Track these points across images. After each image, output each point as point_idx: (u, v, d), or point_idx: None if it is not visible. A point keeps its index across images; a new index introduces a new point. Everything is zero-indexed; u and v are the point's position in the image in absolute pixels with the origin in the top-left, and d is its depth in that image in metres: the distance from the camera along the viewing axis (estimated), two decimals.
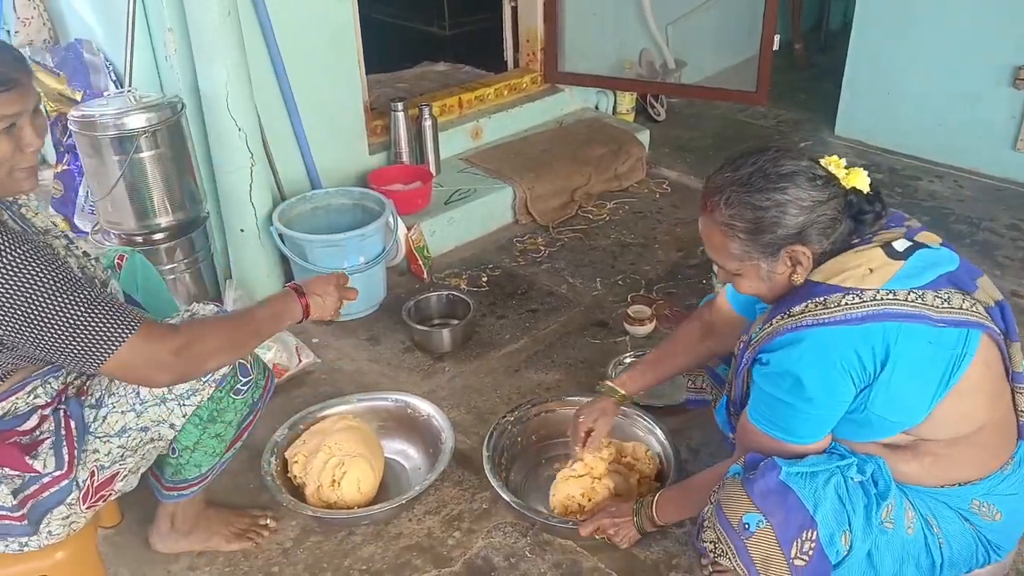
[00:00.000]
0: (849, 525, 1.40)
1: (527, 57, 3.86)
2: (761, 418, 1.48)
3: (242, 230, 2.67)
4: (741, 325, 1.71)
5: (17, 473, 1.45)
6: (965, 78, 3.51)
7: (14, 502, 1.45)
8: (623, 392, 1.97)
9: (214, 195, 2.68)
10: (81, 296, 1.33)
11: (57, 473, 1.47)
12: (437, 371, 2.50)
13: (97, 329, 1.34)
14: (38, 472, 1.46)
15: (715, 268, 1.61)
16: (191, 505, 1.83)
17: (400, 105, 3.13)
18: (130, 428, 1.52)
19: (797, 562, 1.40)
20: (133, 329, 1.36)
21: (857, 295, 1.37)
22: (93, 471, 1.52)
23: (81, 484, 1.51)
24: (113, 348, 1.35)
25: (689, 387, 2.11)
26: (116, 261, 1.82)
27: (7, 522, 1.47)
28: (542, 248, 3.16)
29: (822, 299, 1.40)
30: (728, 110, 4.42)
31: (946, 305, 1.39)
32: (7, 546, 1.50)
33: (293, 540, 1.93)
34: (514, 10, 3.82)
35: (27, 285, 1.29)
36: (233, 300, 2.60)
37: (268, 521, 1.95)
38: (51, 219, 1.61)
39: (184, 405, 1.55)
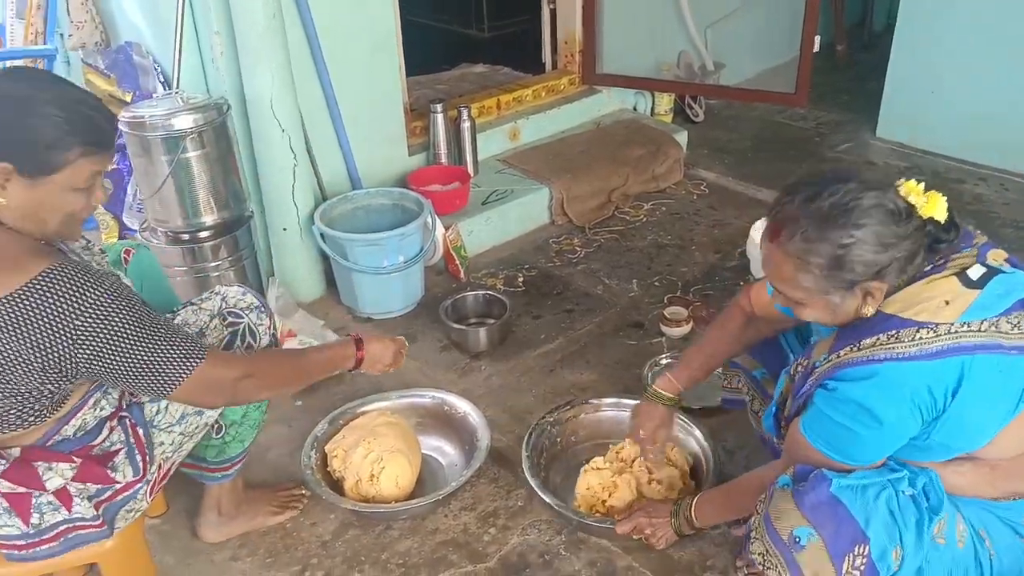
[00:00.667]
0: (900, 540, 1.38)
1: (565, 59, 3.87)
2: (819, 438, 1.45)
3: (285, 229, 2.72)
4: (783, 321, 1.69)
5: (98, 486, 1.51)
6: (1012, 78, 3.45)
7: (95, 513, 1.52)
8: (671, 395, 1.94)
9: (258, 195, 2.74)
10: (156, 331, 1.39)
11: (133, 479, 1.54)
12: (473, 370, 2.53)
13: (170, 361, 1.40)
14: (119, 483, 1.53)
15: (769, 287, 1.56)
16: (233, 489, 1.89)
17: (439, 106, 3.16)
18: (187, 413, 1.59)
19: None
20: (200, 358, 1.43)
21: (932, 329, 1.33)
22: (160, 464, 1.60)
23: (150, 479, 1.57)
24: (183, 378, 1.42)
25: (725, 387, 2.10)
26: (123, 255, 1.85)
27: (87, 531, 1.53)
28: (578, 249, 3.17)
29: (895, 332, 1.35)
30: (767, 112, 4.40)
31: (1017, 331, 1.35)
32: (76, 554, 1.57)
33: (332, 533, 1.96)
34: (553, 12, 3.84)
35: (110, 323, 1.34)
36: (276, 297, 2.65)
37: (302, 490, 2.03)
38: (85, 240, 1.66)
39: None
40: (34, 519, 1.48)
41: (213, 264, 2.59)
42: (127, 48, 2.94)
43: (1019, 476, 1.47)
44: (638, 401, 2.04)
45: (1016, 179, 3.54)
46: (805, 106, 3.79)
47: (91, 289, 1.33)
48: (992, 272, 1.38)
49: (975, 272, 1.37)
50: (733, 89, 4.00)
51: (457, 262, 2.95)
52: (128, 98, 2.86)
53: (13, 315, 1.29)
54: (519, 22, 4.84)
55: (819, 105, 4.30)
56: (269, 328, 1.73)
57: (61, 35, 3.16)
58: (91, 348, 1.34)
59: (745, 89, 3.97)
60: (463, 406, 2.19)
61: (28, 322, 1.29)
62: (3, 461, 1.43)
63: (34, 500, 1.47)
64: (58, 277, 1.31)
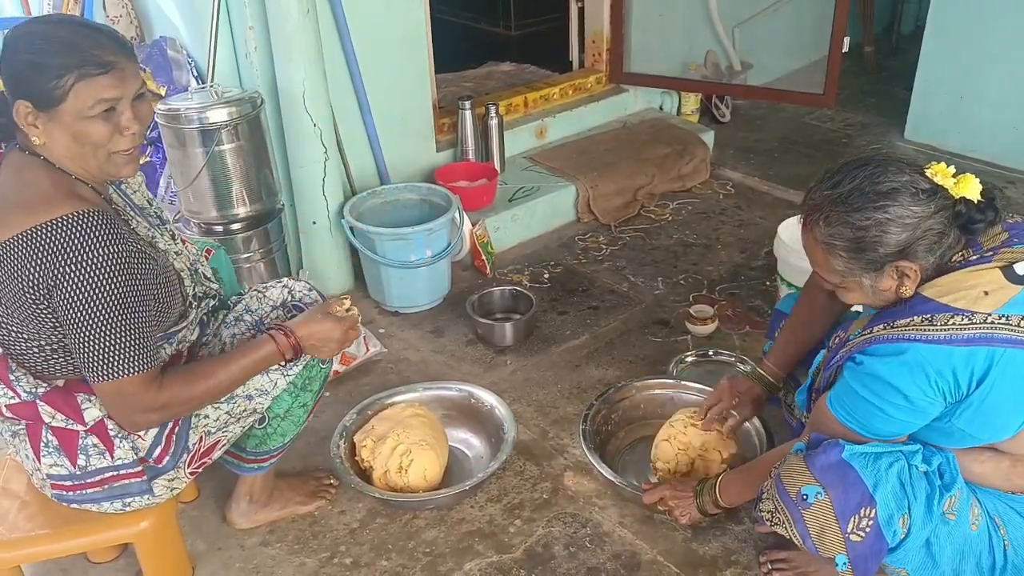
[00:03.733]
0: (909, 510, 1.41)
1: (592, 58, 3.89)
2: (843, 410, 1.48)
3: (314, 222, 2.76)
4: None
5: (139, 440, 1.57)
6: None
7: (135, 458, 1.57)
8: (772, 380, 1.92)
9: (288, 188, 2.78)
10: (122, 321, 1.41)
11: (165, 431, 1.59)
12: (499, 364, 2.55)
13: (110, 355, 1.42)
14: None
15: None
16: (266, 478, 1.92)
17: (467, 103, 3.19)
18: (237, 395, 1.63)
19: (853, 537, 1.41)
20: (135, 372, 1.44)
21: (967, 316, 1.34)
22: (201, 436, 1.63)
23: (190, 447, 1.61)
24: (108, 377, 1.43)
25: None
26: (204, 253, 1.91)
27: (128, 480, 1.59)
28: (604, 247, 3.18)
29: (929, 316, 1.37)
30: (794, 113, 4.38)
31: None
32: (111, 504, 1.61)
33: (359, 521, 1.99)
34: (581, 11, 3.86)
35: (89, 287, 1.37)
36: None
37: (331, 480, 2.06)
38: (147, 198, 1.71)
39: (287, 375, 1.66)
40: (80, 461, 1.55)
41: (244, 256, 2.63)
42: (161, 43, 2.99)
43: None
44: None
45: None
46: (833, 107, 3.78)
47: (98, 245, 1.37)
48: None
49: (1021, 268, 1.37)
50: (760, 89, 4.00)
51: (483, 258, 2.98)
52: (162, 92, 2.90)
53: (31, 246, 1.35)
54: (545, 20, 4.88)
55: (847, 107, 4.28)
56: None
57: None
58: (61, 300, 1.38)
59: (773, 89, 3.97)
60: (489, 399, 2.21)
61: (37, 255, 1.35)
62: (46, 385, 1.51)
63: (80, 441, 1.54)
64: (79, 222, 1.36)
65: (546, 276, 3.01)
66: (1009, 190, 3.49)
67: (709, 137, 3.80)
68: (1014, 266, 1.38)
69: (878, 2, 5.00)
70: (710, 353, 2.50)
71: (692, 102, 4.06)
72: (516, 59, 4.57)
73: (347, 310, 1.73)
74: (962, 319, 1.35)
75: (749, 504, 1.76)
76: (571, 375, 2.48)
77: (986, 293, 1.36)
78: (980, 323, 1.34)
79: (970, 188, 1.40)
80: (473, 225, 2.97)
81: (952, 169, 1.42)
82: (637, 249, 3.17)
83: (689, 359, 2.48)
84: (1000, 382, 1.34)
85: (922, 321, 1.38)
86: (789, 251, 2.49)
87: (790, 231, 2.51)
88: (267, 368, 1.64)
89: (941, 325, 1.36)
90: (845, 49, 3.34)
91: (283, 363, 1.65)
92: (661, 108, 4.04)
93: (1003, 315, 1.34)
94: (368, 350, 2.53)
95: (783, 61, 4.12)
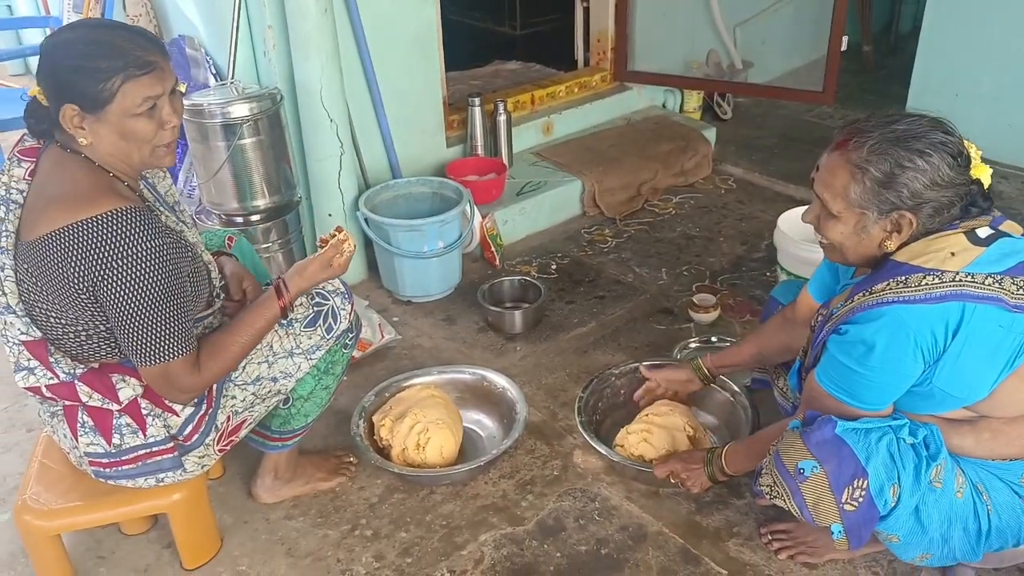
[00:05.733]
0: (898, 480, 1.50)
1: (597, 56, 3.98)
2: (830, 382, 1.57)
3: (330, 214, 2.85)
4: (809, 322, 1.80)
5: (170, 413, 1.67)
6: None
7: (167, 435, 1.67)
8: (705, 370, 2.15)
9: (305, 181, 2.88)
10: (162, 310, 1.50)
11: (195, 413, 1.68)
12: (509, 350, 2.64)
13: (154, 341, 1.52)
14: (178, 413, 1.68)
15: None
16: (290, 455, 2.02)
17: (477, 100, 3.28)
18: (263, 377, 1.73)
19: (847, 507, 1.51)
20: (178, 356, 1.54)
21: (937, 276, 1.45)
22: (229, 416, 1.73)
23: (219, 426, 1.71)
24: (154, 362, 1.53)
25: (754, 368, 2.21)
26: (227, 241, 2.01)
27: (160, 457, 1.69)
28: (609, 239, 3.28)
29: (903, 278, 1.47)
30: (794, 110, 4.48)
31: (1021, 292, 1.46)
32: (145, 480, 1.71)
33: (379, 497, 2.09)
34: (586, 11, 3.96)
35: (131, 278, 1.46)
36: None
37: (351, 458, 2.16)
38: (174, 195, 1.80)
39: (310, 359, 1.76)
40: (115, 439, 1.65)
41: (263, 246, 2.73)
42: (180, 41, 3.09)
43: (1015, 443, 1.58)
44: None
45: None
46: (832, 104, 3.88)
47: (140, 240, 1.46)
48: (999, 234, 1.50)
49: (983, 232, 1.49)
50: (761, 87, 4.09)
51: (493, 250, 3.07)
52: (183, 88, 2.99)
53: (77, 240, 1.43)
54: (551, 20, 4.97)
55: (846, 104, 4.38)
56: (349, 314, 1.86)
57: None
58: (107, 293, 1.47)
59: (773, 87, 4.06)
60: (501, 381, 2.31)
61: (83, 249, 1.43)
62: (83, 367, 1.61)
63: (114, 421, 1.64)
64: (121, 218, 1.45)
65: (553, 267, 3.10)
66: (1002, 184, 3.59)
67: (711, 134, 3.89)
68: (976, 231, 1.49)
69: (876, 2, 5.11)
70: (713, 339, 2.60)
71: (694, 100, 4.15)
72: (522, 58, 4.66)
73: (331, 235, 1.78)
74: (933, 279, 1.45)
75: (750, 477, 1.86)
76: (579, 360, 2.58)
77: (953, 254, 1.46)
78: (950, 281, 1.44)
79: (984, 174, 1.52)
80: (483, 218, 3.07)
81: (980, 153, 1.52)
82: (642, 241, 3.26)
83: (693, 345, 2.57)
84: (972, 336, 1.44)
85: (897, 284, 1.48)
86: (789, 241, 2.59)
87: (790, 222, 2.61)
88: (275, 320, 1.71)
89: (915, 286, 1.46)
90: (844, 48, 3.44)
91: (290, 304, 1.71)
92: (664, 106, 4.14)
93: (969, 273, 1.44)
94: (383, 336, 2.62)
95: (783, 60, 4.21)
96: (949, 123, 1.51)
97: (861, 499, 1.51)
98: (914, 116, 1.50)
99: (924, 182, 1.46)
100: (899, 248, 1.52)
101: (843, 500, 1.51)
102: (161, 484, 1.74)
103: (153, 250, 1.47)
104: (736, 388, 2.20)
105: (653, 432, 2.05)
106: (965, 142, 1.51)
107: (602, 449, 2.06)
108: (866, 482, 1.50)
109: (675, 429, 2.07)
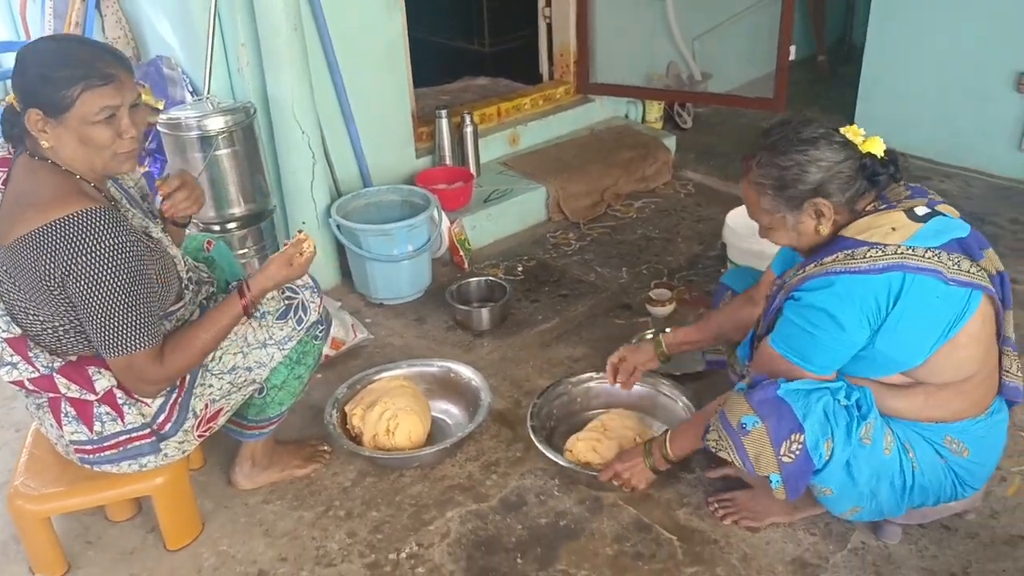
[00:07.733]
0: (832, 436, 1.65)
1: (561, 70, 4.15)
2: (783, 343, 1.72)
3: (304, 222, 2.99)
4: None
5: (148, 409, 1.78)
6: (973, 83, 3.74)
7: (145, 421, 1.79)
8: (664, 347, 2.28)
9: (279, 190, 3.01)
10: (129, 302, 1.61)
11: (170, 401, 1.79)
12: (477, 346, 2.78)
13: (121, 333, 1.63)
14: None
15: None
16: (267, 444, 2.14)
17: (444, 112, 3.43)
18: (238, 367, 1.85)
19: (785, 459, 1.66)
20: (143, 347, 1.65)
21: (880, 249, 1.61)
22: (207, 404, 1.85)
23: (197, 413, 1.83)
24: (120, 354, 1.64)
25: (708, 349, 2.36)
26: (205, 244, 2.15)
27: (139, 442, 1.80)
28: (573, 242, 3.43)
29: (850, 251, 1.64)
30: (752, 119, 4.66)
31: (956, 268, 1.62)
32: (129, 465, 1.83)
33: (351, 481, 2.21)
34: (548, 26, 4.12)
35: (99, 273, 1.57)
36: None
37: (326, 446, 2.27)
38: (143, 192, 1.92)
39: (282, 349, 1.88)
40: (96, 427, 1.77)
41: (240, 252, 2.85)
42: (158, 61, 3.22)
43: (943, 407, 1.73)
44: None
45: (979, 176, 3.82)
46: (784, 111, 4.04)
47: (105, 239, 1.57)
48: (935, 213, 1.67)
49: (920, 210, 1.67)
50: (715, 95, 4.25)
51: (462, 254, 3.21)
52: (161, 105, 3.13)
53: (47, 240, 1.55)
54: (519, 37, 5.11)
55: (800, 111, 4.55)
56: (319, 307, 1.98)
57: None
58: (76, 288, 1.58)
59: (726, 95, 4.23)
60: (467, 372, 2.44)
61: (53, 248, 1.55)
62: (61, 360, 1.72)
63: (95, 410, 1.75)
64: (87, 218, 1.56)
65: (520, 269, 3.25)
66: (945, 183, 3.78)
67: (671, 142, 4.06)
68: (914, 209, 1.66)
69: (830, 15, 5.33)
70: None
71: (655, 110, 4.33)
72: (491, 73, 4.82)
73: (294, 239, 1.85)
74: (876, 251, 1.61)
75: (698, 455, 2.00)
76: (542, 353, 2.72)
77: (894, 229, 1.63)
78: (892, 253, 1.60)
79: (875, 146, 1.70)
80: (451, 224, 3.21)
81: (863, 131, 1.71)
82: (604, 244, 3.42)
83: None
84: (912, 304, 1.60)
85: (845, 256, 1.64)
86: (736, 236, 2.75)
87: (737, 218, 2.77)
88: (238, 320, 1.80)
89: (861, 258, 1.62)
90: (793, 57, 3.62)
91: (253, 303, 1.81)
92: (626, 116, 4.31)
93: (909, 246, 1.61)
94: (356, 336, 2.75)
95: (741, 71, 4.38)
96: (817, 119, 1.71)
97: (798, 452, 1.66)
98: (784, 123, 1.71)
99: (813, 171, 1.66)
100: (841, 228, 1.69)
101: (781, 452, 1.67)
102: (144, 470, 1.85)
103: (117, 247, 1.58)
104: (687, 400, 2.27)
105: (602, 442, 2.16)
106: (847, 128, 1.71)
107: (550, 454, 2.13)
108: (803, 436, 1.65)
109: (624, 439, 2.17)
